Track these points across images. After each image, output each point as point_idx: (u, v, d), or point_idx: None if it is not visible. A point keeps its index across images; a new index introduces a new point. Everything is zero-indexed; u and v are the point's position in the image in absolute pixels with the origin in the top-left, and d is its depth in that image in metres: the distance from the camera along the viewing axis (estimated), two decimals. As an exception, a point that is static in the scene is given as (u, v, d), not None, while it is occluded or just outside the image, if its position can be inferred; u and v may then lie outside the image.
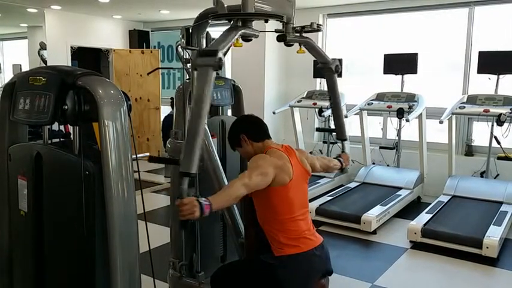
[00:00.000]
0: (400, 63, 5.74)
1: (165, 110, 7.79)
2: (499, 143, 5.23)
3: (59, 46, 7.63)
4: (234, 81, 3.29)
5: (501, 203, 4.78)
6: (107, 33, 8.43)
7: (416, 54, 5.62)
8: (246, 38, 2.29)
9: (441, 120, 4.88)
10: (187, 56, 2.70)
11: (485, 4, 5.73)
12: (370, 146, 6.08)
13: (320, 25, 2.54)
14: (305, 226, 2.29)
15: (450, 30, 6.05)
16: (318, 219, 4.69)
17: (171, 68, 8.35)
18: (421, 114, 5.35)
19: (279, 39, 2.47)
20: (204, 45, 2.80)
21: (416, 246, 4.19)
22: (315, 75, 6.45)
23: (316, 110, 5.99)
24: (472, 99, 5.08)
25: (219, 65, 1.96)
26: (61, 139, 2.00)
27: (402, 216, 4.94)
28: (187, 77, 2.83)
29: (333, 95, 2.90)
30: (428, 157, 5.69)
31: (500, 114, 4.71)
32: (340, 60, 6.17)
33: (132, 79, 7.98)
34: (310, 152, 6.82)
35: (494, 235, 3.93)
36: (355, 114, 5.75)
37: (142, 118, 7.95)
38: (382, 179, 5.65)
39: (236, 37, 2.12)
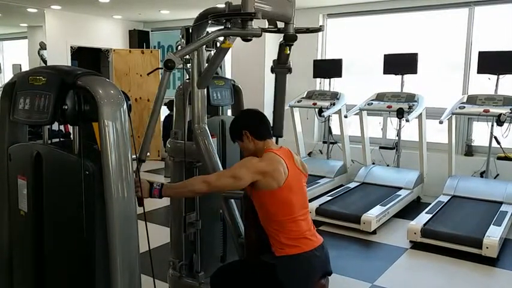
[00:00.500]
0: (400, 63, 5.73)
1: (165, 110, 7.77)
2: (498, 143, 5.24)
3: (59, 46, 7.63)
4: (234, 81, 3.29)
5: (501, 203, 4.77)
6: (107, 33, 8.43)
7: (416, 54, 5.62)
8: (246, 38, 2.29)
9: (441, 120, 4.89)
10: (187, 56, 2.69)
11: (485, 4, 5.73)
12: (370, 146, 6.09)
13: (322, 26, 2.56)
14: (306, 226, 2.29)
15: (450, 30, 6.05)
16: (317, 219, 4.69)
17: (171, 68, 8.34)
18: (421, 114, 5.35)
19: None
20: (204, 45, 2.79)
21: (416, 246, 4.19)
22: (315, 75, 6.45)
23: (316, 110, 5.99)
24: (472, 99, 5.07)
25: (170, 67, 2.07)
26: (61, 139, 2.00)
27: (402, 216, 4.94)
28: (187, 77, 2.83)
29: (280, 93, 3.08)
30: (428, 157, 5.69)
31: (500, 114, 4.71)
32: (340, 60, 6.19)
33: (132, 79, 7.97)
34: (310, 152, 6.88)
35: (494, 235, 3.94)
36: (355, 114, 5.75)
37: (142, 118, 7.92)
38: (382, 179, 5.65)
39: (207, 40, 2.21)
